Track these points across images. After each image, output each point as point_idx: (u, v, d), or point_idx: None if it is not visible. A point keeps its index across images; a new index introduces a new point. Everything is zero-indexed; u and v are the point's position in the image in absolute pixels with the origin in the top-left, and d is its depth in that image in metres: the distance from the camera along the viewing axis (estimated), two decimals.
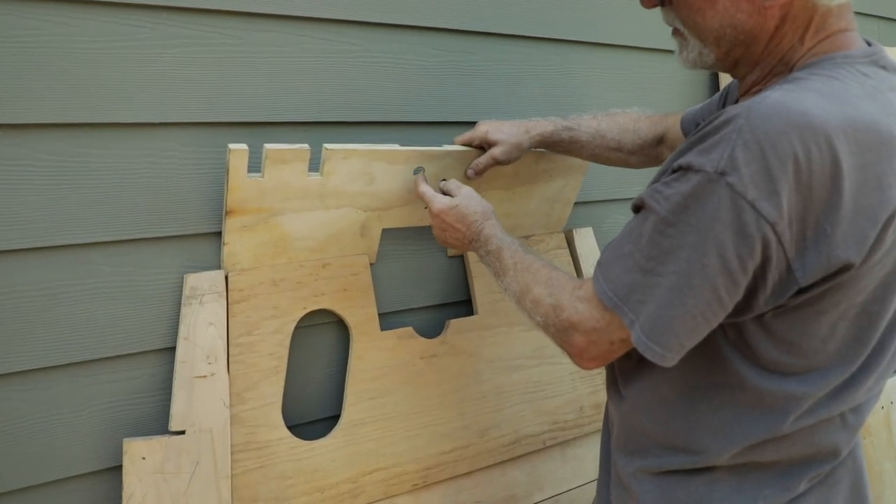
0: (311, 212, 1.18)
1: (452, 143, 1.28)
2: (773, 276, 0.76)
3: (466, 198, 1.12)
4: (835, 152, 0.72)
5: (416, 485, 1.32)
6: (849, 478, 0.93)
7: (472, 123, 1.31)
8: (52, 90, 1.02)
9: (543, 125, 1.29)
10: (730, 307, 0.78)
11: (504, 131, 1.25)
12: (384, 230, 1.32)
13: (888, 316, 0.84)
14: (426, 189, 1.18)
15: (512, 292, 0.99)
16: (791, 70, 0.85)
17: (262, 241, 1.17)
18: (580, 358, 0.89)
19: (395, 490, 1.30)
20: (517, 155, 1.27)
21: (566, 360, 1.53)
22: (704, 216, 0.74)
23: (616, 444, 1.01)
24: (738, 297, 0.77)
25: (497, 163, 1.25)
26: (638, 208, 0.84)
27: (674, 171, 0.79)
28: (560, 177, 1.48)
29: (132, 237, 1.11)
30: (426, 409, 1.35)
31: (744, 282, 0.76)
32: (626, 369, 0.97)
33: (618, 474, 1.00)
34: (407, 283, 1.41)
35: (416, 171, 1.23)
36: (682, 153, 0.79)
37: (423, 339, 1.36)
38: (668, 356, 0.79)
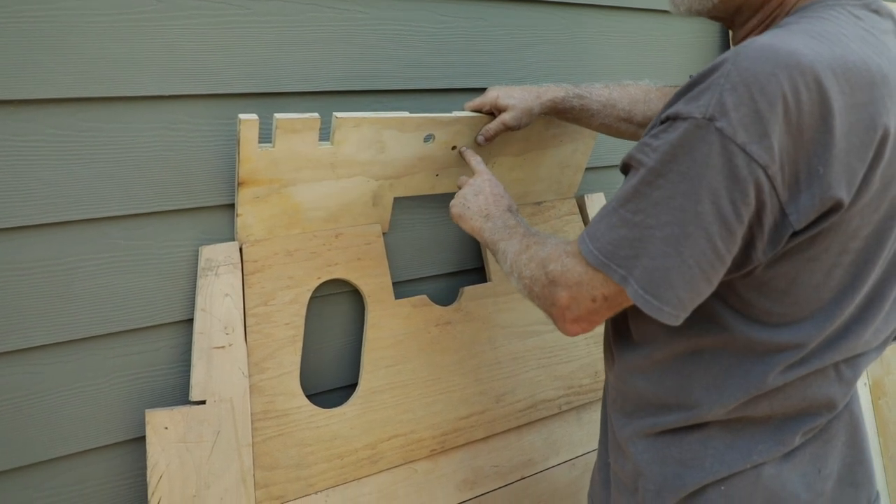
0: (322, 181, 1.18)
1: (463, 110, 1.27)
2: (768, 222, 0.75)
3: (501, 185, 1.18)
4: (824, 91, 0.71)
5: (433, 450, 1.34)
6: (845, 432, 0.92)
7: (482, 90, 1.30)
8: (61, 65, 1.01)
9: (555, 91, 1.27)
10: (728, 260, 0.76)
11: (514, 97, 1.24)
12: (396, 199, 1.32)
13: (882, 263, 0.83)
14: (478, 158, 1.23)
15: (510, 252, 0.99)
16: (786, 15, 0.85)
17: (275, 211, 1.17)
18: (563, 319, 0.87)
19: (414, 455, 1.32)
20: (528, 121, 1.25)
21: None
22: (695, 163, 0.73)
23: (613, 407, 1.02)
24: (735, 247, 0.76)
25: (507, 128, 1.24)
26: (627, 167, 0.82)
27: (662, 123, 0.78)
28: (570, 142, 1.46)
29: (146, 210, 1.11)
30: (442, 376, 1.36)
31: (739, 230, 0.74)
32: (619, 331, 0.98)
33: (615, 437, 1.01)
34: (420, 252, 1.41)
35: (426, 139, 1.22)
36: (670, 105, 0.78)
37: (437, 307, 1.37)
38: (664, 310, 0.77)
